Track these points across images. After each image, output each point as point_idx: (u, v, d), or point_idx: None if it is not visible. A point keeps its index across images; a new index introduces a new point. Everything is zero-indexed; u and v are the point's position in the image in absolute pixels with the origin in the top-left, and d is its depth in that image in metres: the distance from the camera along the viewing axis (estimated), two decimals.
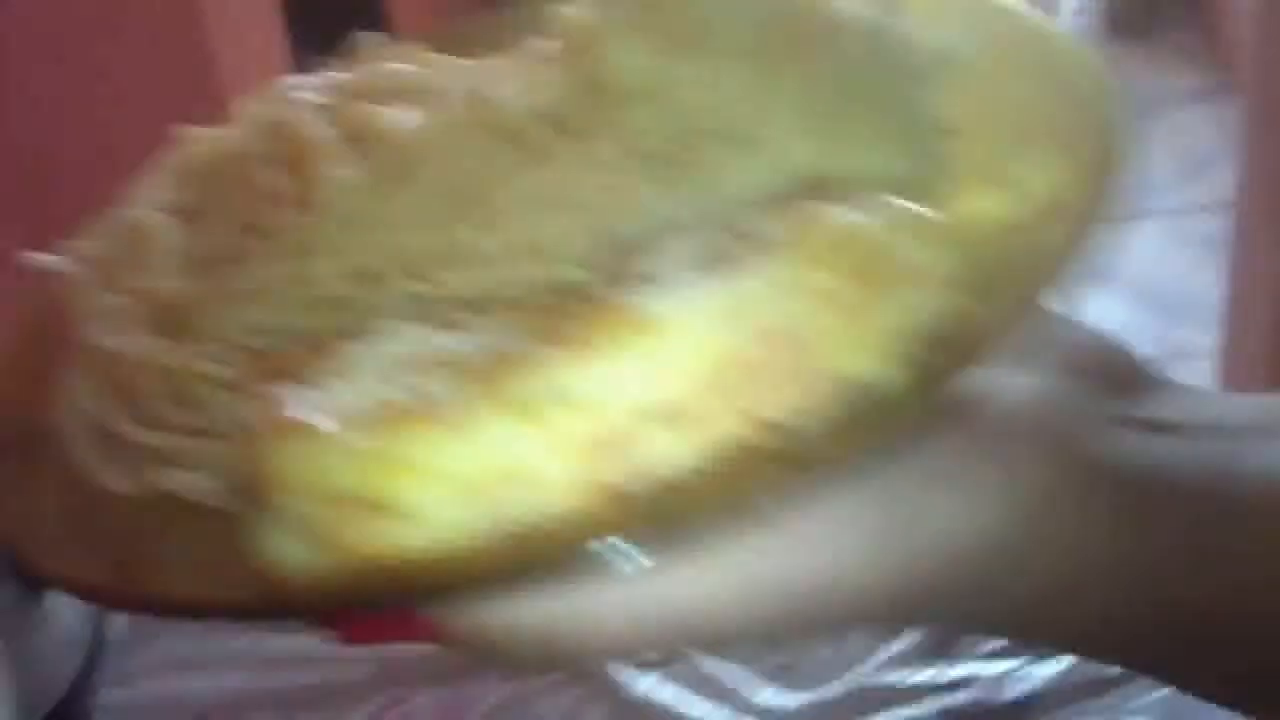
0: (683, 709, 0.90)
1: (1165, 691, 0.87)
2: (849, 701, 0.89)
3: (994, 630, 0.41)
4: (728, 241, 0.39)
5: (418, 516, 0.35)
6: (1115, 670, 0.89)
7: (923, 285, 0.38)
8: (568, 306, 0.39)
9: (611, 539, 0.35)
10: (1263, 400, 0.40)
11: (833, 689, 0.90)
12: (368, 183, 0.45)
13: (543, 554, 0.35)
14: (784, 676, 0.91)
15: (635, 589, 0.37)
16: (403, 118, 0.46)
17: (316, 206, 0.45)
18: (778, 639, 0.40)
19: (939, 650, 0.92)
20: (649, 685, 0.91)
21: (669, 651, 0.39)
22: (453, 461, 0.35)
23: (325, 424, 0.36)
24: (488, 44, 0.50)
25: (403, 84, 0.48)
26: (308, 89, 0.49)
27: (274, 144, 0.46)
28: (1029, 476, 0.38)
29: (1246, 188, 1.79)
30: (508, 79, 0.46)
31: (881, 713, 0.89)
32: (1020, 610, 0.39)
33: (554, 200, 0.43)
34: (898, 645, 0.92)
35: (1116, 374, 0.41)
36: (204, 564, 0.39)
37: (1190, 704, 0.87)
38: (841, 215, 0.39)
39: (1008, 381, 0.39)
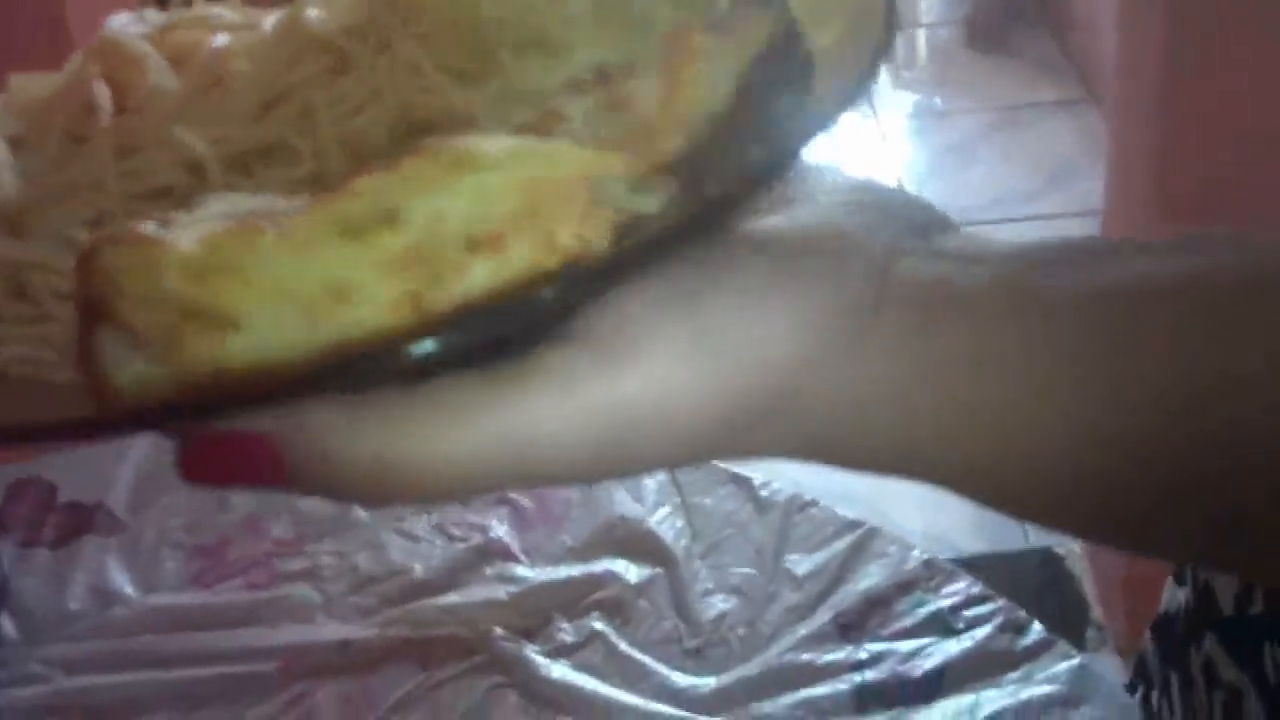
0: (597, 693, 0.90)
1: (1074, 662, 0.89)
2: (763, 682, 0.90)
3: (816, 453, 0.42)
4: (534, 119, 0.42)
5: (245, 325, 0.37)
6: (1024, 643, 0.91)
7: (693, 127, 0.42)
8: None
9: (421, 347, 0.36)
10: (1050, 239, 0.42)
11: (747, 669, 0.90)
12: (184, 87, 0.46)
13: (360, 366, 0.37)
14: (698, 658, 0.92)
15: (468, 418, 0.38)
16: (218, 39, 0.48)
17: (136, 110, 0.46)
18: (616, 467, 0.40)
19: (850, 630, 0.93)
20: (562, 671, 0.91)
21: (506, 485, 0.40)
22: (279, 273, 0.37)
23: (153, 232, 0.37)
24: None
25: (220, 21, 0.50)
26: (128, 23, 0.50)
27: (93, 64, 0.47)
28: (824, 294, 0.40)
29: (1111, 195, 1.84)
30: (312, 5, 0.48)
31: (796, 692, 0.89)
32: (831, 426, 0.41)
33: (362, 104, 0.45)
34: (811, 625, 0.93)
35: (916, 216, 0.43)
36: (39, 394, 0.40)
37: (1095, 673, 0.91)
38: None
39: (808, 213, 0.42)
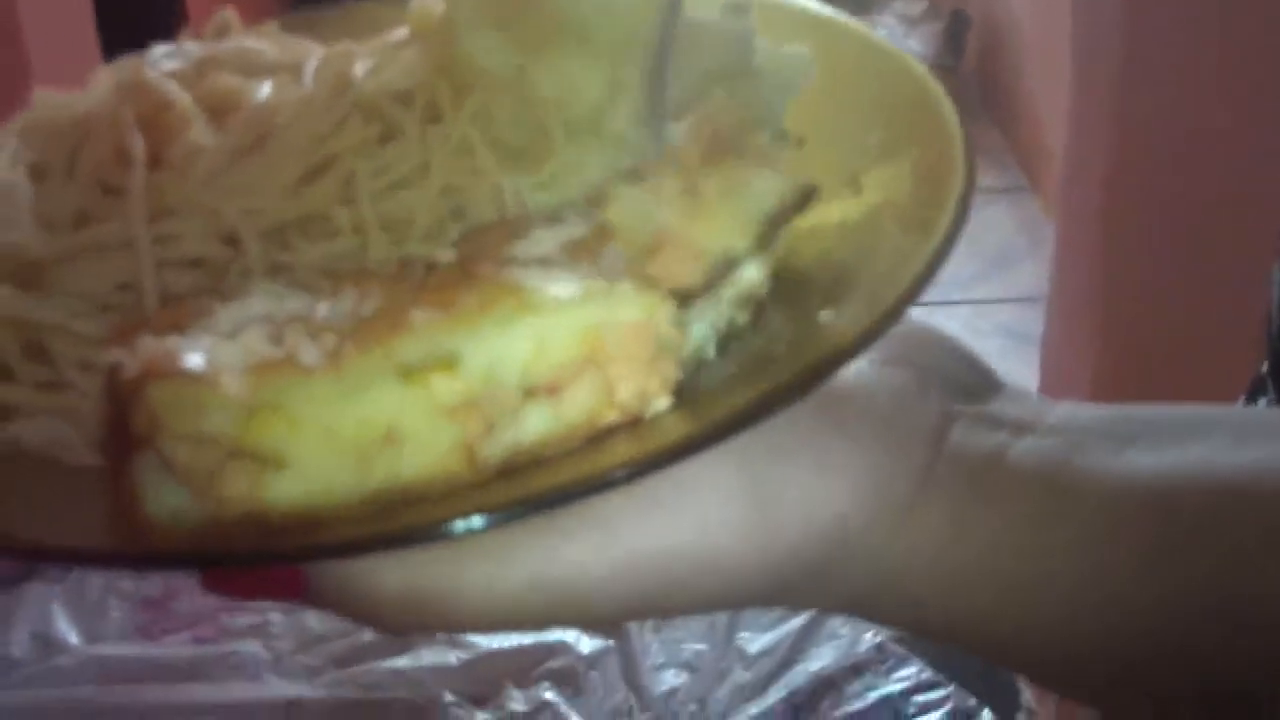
0: None
1: None
2: None
3: (855, 610, 0.42)
4: (584, 230, 0.41)
5: (290, 466, 0.36)
6: None
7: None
8: (423, 279, 0.40)
9: (472, 513, 0.35)
10: (1099, 409, 0.42)
11: None
12: (224, 147, 0.45)
13: (405, 517, 0.36)
14: None
15: (505, 558, 0.37)
16: (258, 88, 0.47)
17: (171, 167, 0.44)
18: (651, 613, 0.40)
19: (801, 711, 0.93)
20: None
21: (537, 626, 0.39)
22: (329, 415, 0.36)
23: (202, 369, 0.36)
24: (337, 31, 0.51)
25: (258, 59, 0.49)
26: (164, 56, 0.49)
27: (127, 105, 0.46)
28: (878, 460, 0.39)
29: (1057, 283, 1.86)
30: (361, 59, 0.47)
31: None
32: (875, 590, 0.40)
33: (407, 177, 0.44)
34: (762, 704, 0.93)
35: (963, 375, 0.43)
36: (69, 513, 0.39)
37: None
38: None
39: (862, 370, 0.41)
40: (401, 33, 0.49)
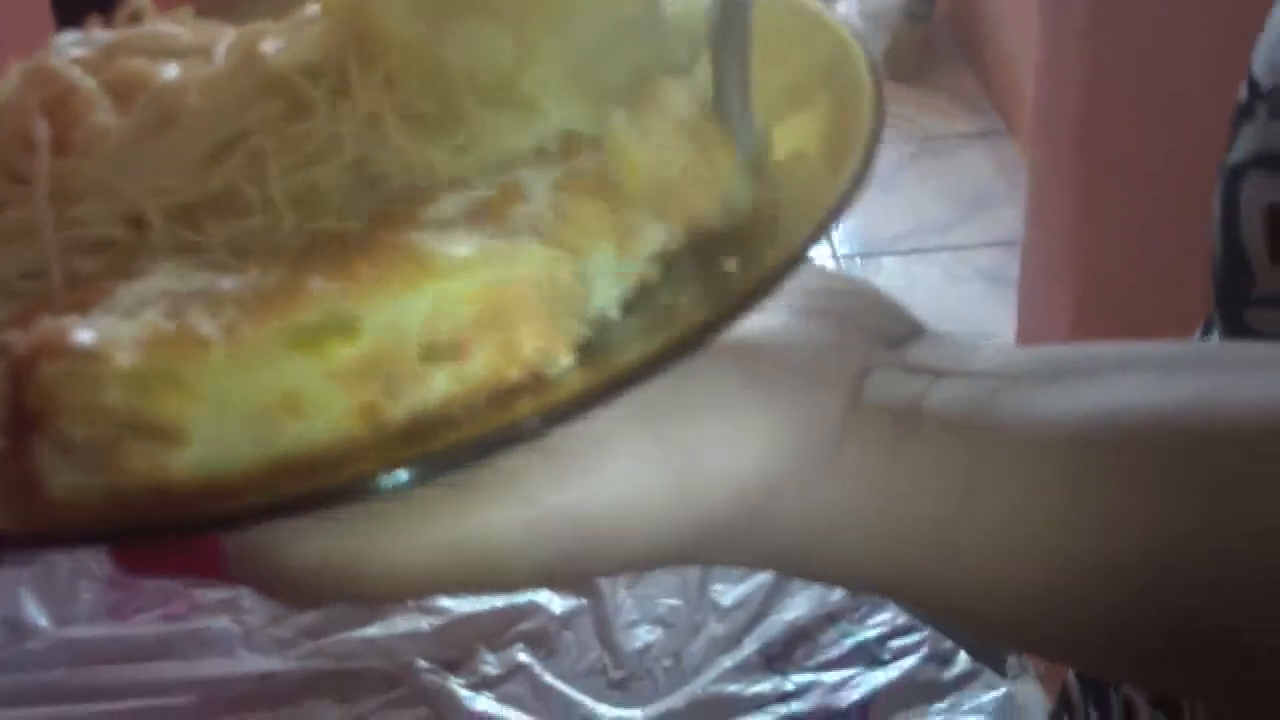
0: None
1: (999, 692, 0.90)
2: (690, 713, 0.89)
3: (781, 567, 0.41)
4: (492, 194, 0.40)
5: (188, 439, 0.35)
6: (950, 674, 0.92)
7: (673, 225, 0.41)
8: (331, 252, 0.39)
9: (380, 470, 0.34)
10: (1030, 351, 0.41)
11: (674, 700, 0.90)
12: (128, 128, 0.44)
13: (311, 482, 0.35)
14: (624, 690, 0.91)
15: (420, 523, 0.37)
16: (164, 69, 0.46)
17: (76, 151, 0.44)
18: (570, 577, 0.39)
19: (776, 661, 0.93)
20: (486, 704, 0.90)
21: (456, 591, 0.39)
22: (227, 387, 0.35)
23: (93, 344, 0.35)
24: (252, 14, 0.49)
25: (171, 44, 0.48)
26: (71, 44, 0.48)
27: (32, 91, 0.45)
28: (794, 411, 0.38)
29: (1031, 228, 1.86)
30: (270, 37, 0.46)
31: None
32: (798, 545, 0.40)
33: (316, 151, 0.43)
34: (737, 656, 0.93)
35: (886, 324, 0.42)
36: None
37: (1020, 703, 0.91)
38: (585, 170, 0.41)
39: (777, 322, 0.40)
40: (313, 9, 0.48)
